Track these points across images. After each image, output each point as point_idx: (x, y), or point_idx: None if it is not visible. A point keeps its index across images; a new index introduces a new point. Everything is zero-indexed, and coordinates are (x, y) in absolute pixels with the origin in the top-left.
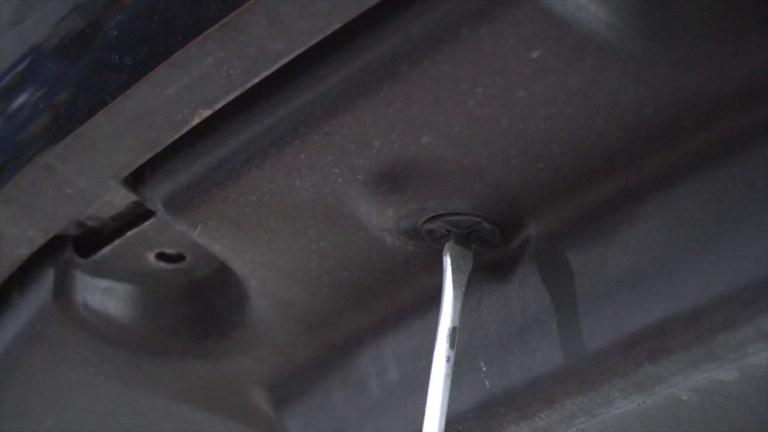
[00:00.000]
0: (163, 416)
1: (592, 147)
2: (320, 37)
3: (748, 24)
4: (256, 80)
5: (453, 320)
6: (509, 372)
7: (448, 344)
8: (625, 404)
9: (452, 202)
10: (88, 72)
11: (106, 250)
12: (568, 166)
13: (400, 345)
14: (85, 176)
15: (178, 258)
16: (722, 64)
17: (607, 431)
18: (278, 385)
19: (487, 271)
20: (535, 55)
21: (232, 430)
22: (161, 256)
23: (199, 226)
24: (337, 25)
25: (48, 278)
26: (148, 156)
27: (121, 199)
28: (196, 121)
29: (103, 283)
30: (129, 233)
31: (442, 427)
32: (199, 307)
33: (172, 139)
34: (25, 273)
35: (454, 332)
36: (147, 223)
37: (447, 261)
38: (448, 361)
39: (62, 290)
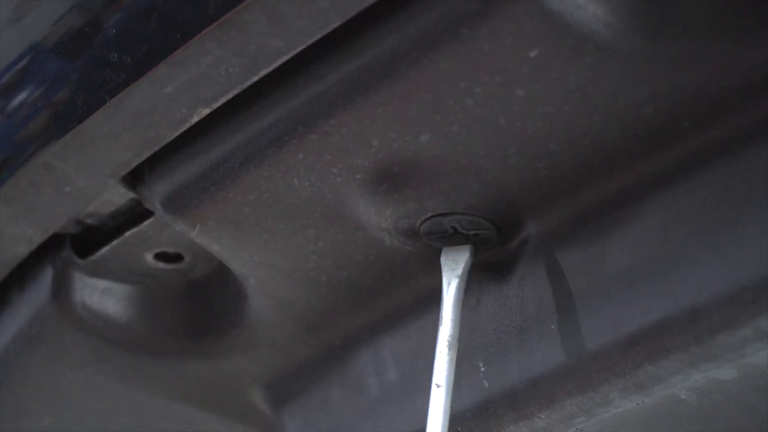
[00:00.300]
0: (162, 416)
1: (591, 146)
2: (319, 35)
3: (748, 20)
4: (255, 79)
5: (453, 321)
6: (508, 372)
7: (449, 345)
8: (624, 404)
9: (450, 202)
10: (87, 70)
11: (105, 250)
12: (566, 165)
13: (398, 345)
14: (83, 175)
15: (177, 258)
16: (722, 60)
17: (606, 431)
18: (277, 385)
19: (485, 271)
20: (533, 54)
21: (231, 430)
22: (160, 256)
23: (198, 225)
24: (337, 24)
25: (46, 278)
26: (146, 154)
27: (120, 197)
28: (194, 119)
29: (102, 283)
30: (127, 233)
31: (446, 429)
32: (198, 306)
33: (171, 138)
34: (24, 271)
35: (454, 333)
36: (145, 223)
37: (445, 261)
38: (449, 361)
39: (61, 290)
